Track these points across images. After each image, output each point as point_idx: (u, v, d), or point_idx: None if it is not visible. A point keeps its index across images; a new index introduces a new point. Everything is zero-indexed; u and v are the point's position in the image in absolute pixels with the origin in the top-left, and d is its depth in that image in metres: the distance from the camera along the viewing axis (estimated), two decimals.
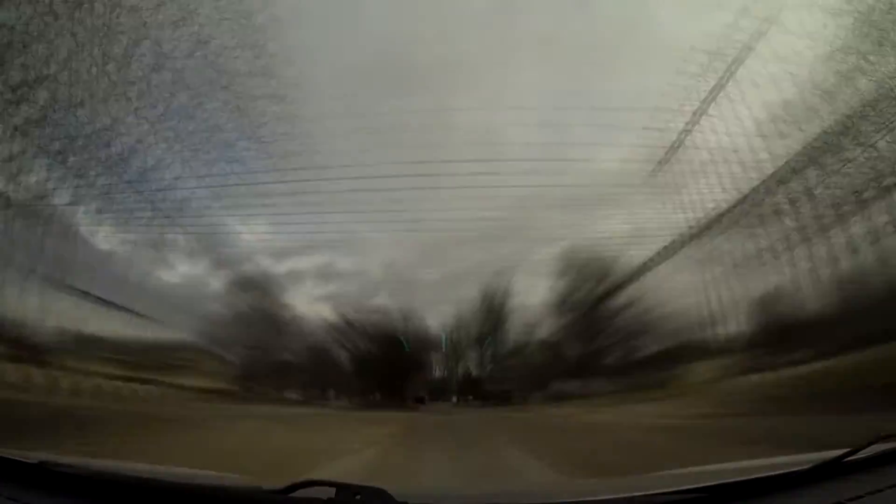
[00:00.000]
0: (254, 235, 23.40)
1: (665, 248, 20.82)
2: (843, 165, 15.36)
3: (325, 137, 18.97)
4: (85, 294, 15.41)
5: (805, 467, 1.31)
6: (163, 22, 15.07)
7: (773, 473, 1.32)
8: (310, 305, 27.72)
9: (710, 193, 19.57)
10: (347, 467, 7.87)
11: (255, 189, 19.38)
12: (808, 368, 14.19)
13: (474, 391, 29.32)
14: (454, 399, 30.03)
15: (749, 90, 17.72)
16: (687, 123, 19.51)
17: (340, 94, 18.68)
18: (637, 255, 22.05)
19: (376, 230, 22.38)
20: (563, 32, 18.77)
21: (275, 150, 19.01)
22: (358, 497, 1.19)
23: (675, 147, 20.02)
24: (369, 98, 19.66)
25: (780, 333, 16.89)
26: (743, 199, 18.53)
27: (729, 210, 18.97)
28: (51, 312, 14.41)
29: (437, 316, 29.77)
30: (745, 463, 2.10)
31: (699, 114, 19.26)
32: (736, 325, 19.25)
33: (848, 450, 1.36)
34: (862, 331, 13.19)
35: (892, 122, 13.95)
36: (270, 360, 25.32)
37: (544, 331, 30.09)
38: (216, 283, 23.45)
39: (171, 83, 16.09)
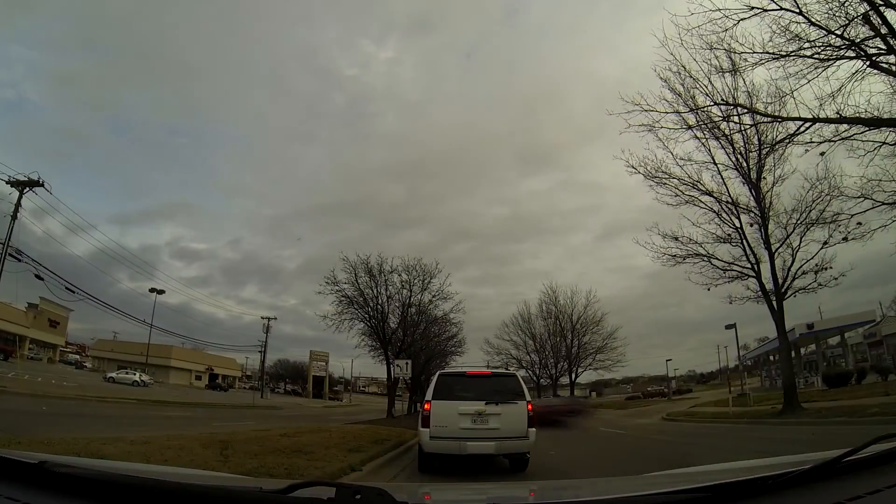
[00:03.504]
0: None
1: None
2: None
3: None
4: None
5: (805, 467, 1.31)
6: None
7: (773, 473, 1.32)
8: None
9: None
10: None
11: None
12: None
13: None
14: None
15: None
16: None
17: None
18: None
19: None
20: None
21: None
22: (358, 497, 1.18)
23: None
24: None
25: None
26: None
27: None
28: None
29: None
30: (745, 463, 2.11)
31: None
32: None
33: (848, 450, 1.36)
34: None
35: None
36: None
37: None
38: None
39: None
